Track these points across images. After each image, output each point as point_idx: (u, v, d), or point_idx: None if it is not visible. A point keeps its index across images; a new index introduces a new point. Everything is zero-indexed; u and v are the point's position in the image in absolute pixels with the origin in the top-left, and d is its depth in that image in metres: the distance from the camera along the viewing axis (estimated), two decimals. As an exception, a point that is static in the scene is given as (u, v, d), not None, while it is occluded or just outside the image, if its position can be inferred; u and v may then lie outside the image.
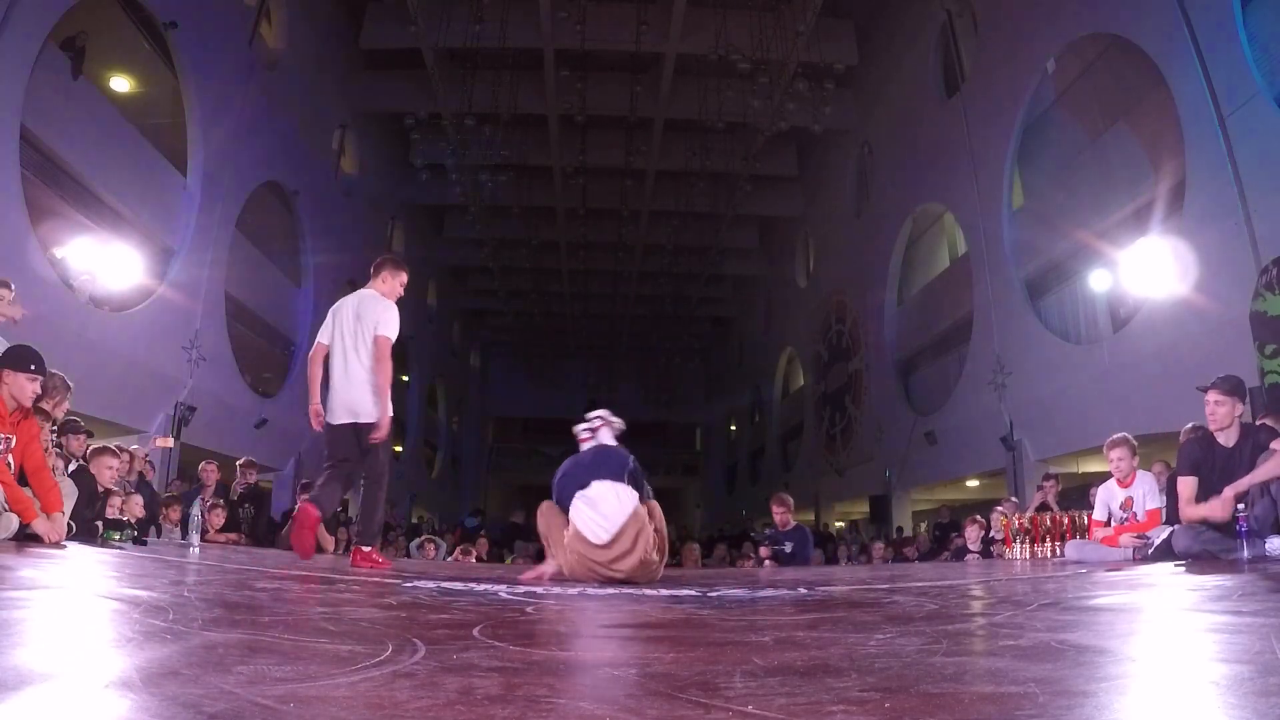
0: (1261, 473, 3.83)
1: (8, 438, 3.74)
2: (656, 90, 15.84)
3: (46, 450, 4.28)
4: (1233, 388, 4.11)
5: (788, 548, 6.75)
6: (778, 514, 6.89)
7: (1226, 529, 3.85)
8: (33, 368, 3.82)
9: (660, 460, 30.32)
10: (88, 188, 9.51)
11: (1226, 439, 4.12)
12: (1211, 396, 4.11)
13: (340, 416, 4.18)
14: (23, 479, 3.81)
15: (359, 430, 4.15)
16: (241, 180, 12.36)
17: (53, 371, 4.29)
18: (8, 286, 4.45)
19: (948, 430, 13.22)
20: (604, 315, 26.52)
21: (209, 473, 7.20)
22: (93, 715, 0.80)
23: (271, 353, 14.72)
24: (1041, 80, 11.11)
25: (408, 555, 9.43)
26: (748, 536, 12.87)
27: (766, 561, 6.81)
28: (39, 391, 3.93)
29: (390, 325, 4.20)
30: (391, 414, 4.19)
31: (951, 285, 13.84)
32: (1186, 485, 4.12)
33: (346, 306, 4.31)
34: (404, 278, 4.46)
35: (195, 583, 2.56)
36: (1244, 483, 3.85)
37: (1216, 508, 3.87)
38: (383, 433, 4.13)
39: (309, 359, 4.33)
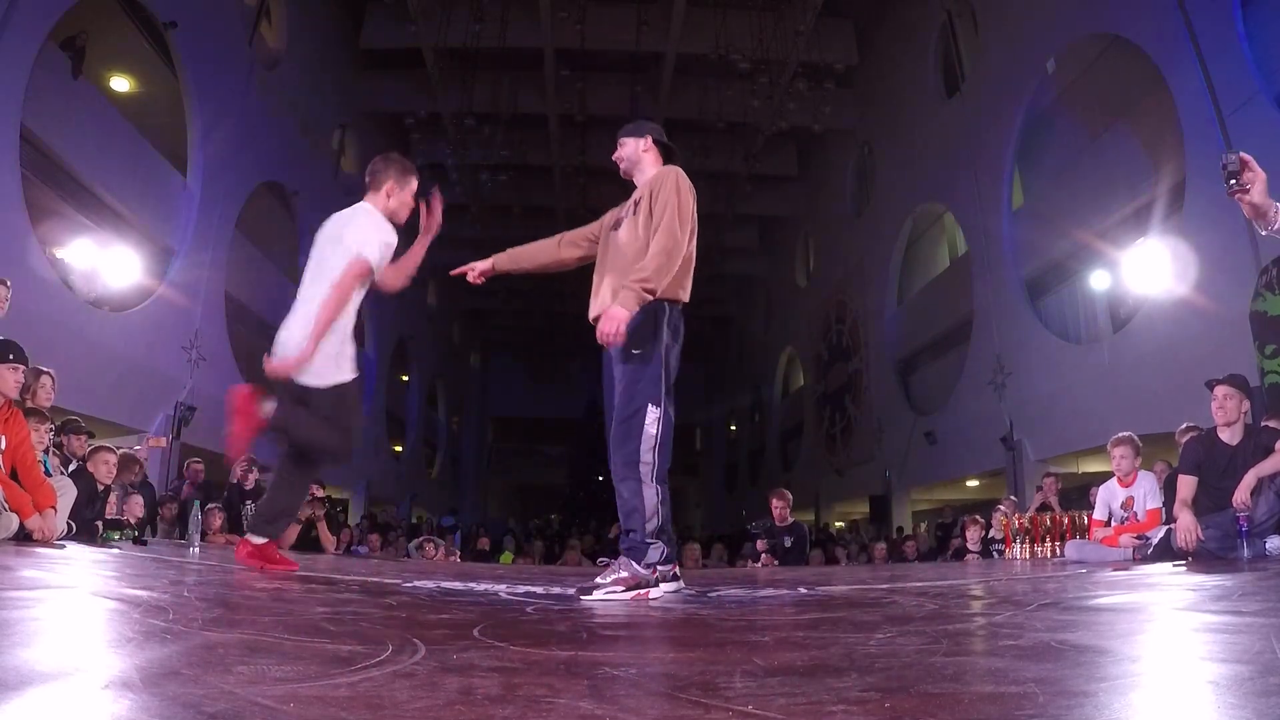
0: (1269, 464, 3.84)
1: None
2: (656, 90, 15.83)
3: (48, 450, 4.27)
4: (1241, 384, 4.18)
5: (786, 542, 6.59)
6: (777, 508, 6.68)
7: (1226, 528, 3.85)
8: (11, 357, 3.73)
9: (660, 460, 30.16)
10: (88, 188, 9.50)
11: (1231, 436, 4.13)
12: (1220, 391, 4.14)
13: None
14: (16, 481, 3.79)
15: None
16: (241, 180, 12.36)
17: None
18: (4, 284, 4.45)
19: (948, 430, 13.22)
20: (604, 315, 26.46)
21: (195, 471, 7.22)
22: (93, 715, 0.80)
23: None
24: (1041, 80, 11.12)
25: (407, 556, 9.43)
26: (748, 536, 12.80)
27: (764, 556, 6.56)
28: (21, 380, 3.84)
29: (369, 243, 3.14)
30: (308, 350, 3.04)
31: (951, 285, 13.84)
32: (1186, 484, 4.13)
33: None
34: (413, 186, 3.37)
35: (195, 583, 2.56)
36: (1253, 475, 3.85)
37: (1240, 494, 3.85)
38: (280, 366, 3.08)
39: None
